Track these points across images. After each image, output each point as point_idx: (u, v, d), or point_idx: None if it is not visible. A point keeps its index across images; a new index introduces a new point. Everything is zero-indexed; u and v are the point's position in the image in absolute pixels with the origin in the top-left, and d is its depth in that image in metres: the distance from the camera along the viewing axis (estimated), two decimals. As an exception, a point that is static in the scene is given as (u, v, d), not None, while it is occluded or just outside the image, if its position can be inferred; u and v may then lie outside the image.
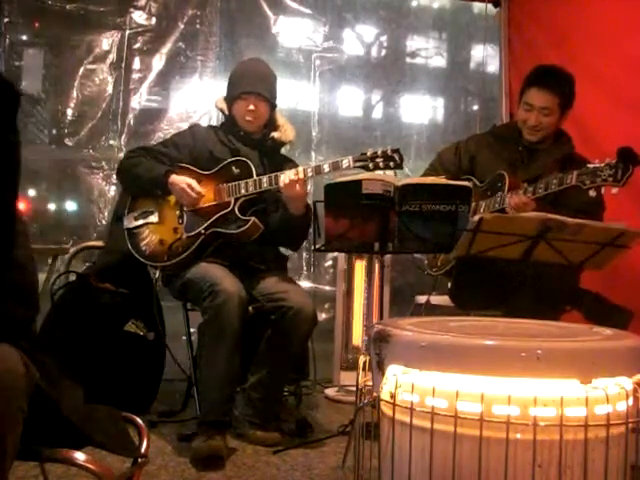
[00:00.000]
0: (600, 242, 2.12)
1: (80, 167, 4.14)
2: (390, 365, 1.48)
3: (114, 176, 3.87)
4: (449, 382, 1.37)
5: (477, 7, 4.63)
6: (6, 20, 3.96)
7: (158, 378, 2.94)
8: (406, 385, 1.44)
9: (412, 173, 4.18)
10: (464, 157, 2.84)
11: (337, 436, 2.55)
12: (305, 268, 4.37)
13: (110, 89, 4.13)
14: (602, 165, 2.20)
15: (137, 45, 4.19)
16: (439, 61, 4.99)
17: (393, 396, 1.45)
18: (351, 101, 4.97)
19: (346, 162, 2.49)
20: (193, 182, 2.61)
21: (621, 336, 1.52)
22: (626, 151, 2.16)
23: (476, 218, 2.08)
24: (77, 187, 4.26)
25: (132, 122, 4.17)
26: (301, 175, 2.50)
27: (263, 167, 2.73)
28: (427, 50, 4.90)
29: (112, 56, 4.14)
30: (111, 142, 4.13)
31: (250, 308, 2.55)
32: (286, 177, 2.50)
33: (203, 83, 4.28)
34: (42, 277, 3.07)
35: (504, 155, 2.74)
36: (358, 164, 2.47)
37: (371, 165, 2.45)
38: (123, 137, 4.14)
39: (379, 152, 2.46)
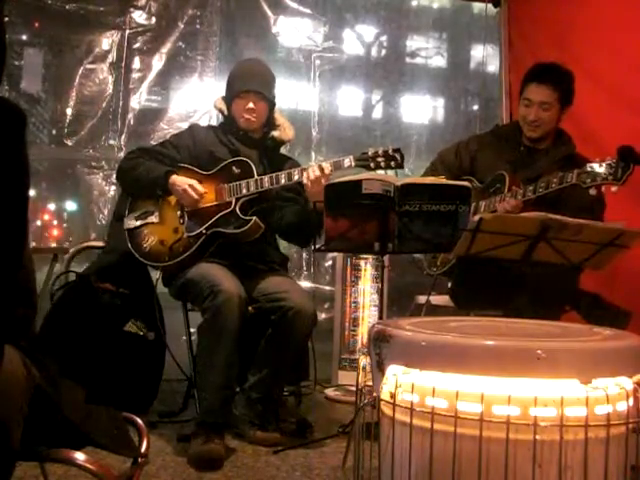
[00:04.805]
0: (600, 242, 2.12)
1: (80, 167, 4.14)
2: (390, 365, 1.48)
3: (114, 176, 3.86)
4: (449, 382, 1.37)
5: (477, 7, 4.63)
6: (6, 20, 3.95)
7: (158, 378, 2.93)
8: (406, 385, 1.44)
9: (412, 173, 4.18)
10: (465, 157, 2.84)
11: (337, 436, 2.55)
12: (305, 268, 4.36)
13: (110, 89, 4.13)
14: (603, 164, 2.21)
15: (137, 45, 4.18)
16: (439, 61, 4.99)
17: (393, 396, 1.45)
18: (351, 101, 4.96)
19: (347, 161, 2.49)
20: (195, 183, 2.61)
21: (621, 336, 1.52)
22: (626, 150, 2.17)
23: (476, 218, 2.08)
24: (77, 187, 4.26)
25: (132, 122, 4.16)
26: (312, 176, 2.49)
27: (263, 166, 2.73)
28: (427, 50, 4.89)
29: (112, 56, 4.13)
30: (111, 142, 4.12)
31: (250, 308, 2.54)
32: (311, 174, 2.49)
33: (203, 83, 4.27)
34: (42, 277, 3.07)
35: (505, 155, 2.74)
36: (359, 163, 2.47)
37: (372, 164, 2.45)
38: (123, 137, 4.13)
39: (380, 151, 2.46)
